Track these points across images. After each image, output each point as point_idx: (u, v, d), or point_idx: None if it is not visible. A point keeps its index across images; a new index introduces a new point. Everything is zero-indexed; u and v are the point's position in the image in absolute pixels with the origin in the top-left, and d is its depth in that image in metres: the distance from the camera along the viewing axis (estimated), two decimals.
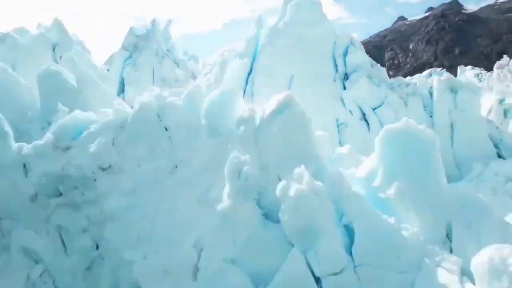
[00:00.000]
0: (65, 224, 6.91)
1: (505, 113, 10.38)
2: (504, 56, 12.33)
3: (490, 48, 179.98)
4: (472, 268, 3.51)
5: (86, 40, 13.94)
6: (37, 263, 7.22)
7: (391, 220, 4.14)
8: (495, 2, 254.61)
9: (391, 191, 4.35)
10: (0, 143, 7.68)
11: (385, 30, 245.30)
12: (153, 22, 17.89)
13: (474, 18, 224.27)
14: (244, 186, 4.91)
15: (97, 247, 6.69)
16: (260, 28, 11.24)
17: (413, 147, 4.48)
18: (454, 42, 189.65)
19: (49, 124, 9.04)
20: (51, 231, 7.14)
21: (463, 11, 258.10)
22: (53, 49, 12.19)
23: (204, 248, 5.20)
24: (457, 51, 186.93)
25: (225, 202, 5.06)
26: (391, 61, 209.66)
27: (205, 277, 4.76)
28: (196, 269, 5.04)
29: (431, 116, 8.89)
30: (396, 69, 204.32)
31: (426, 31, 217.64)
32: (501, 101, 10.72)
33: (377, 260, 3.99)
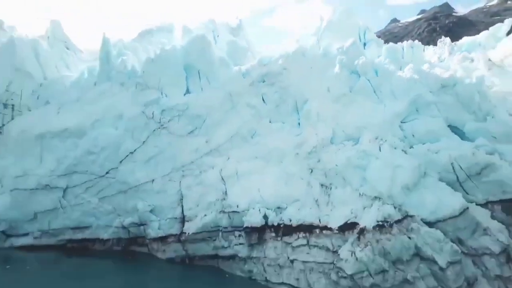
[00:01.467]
0: (264, 92, 19.94)
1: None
2: (443, 37, 25.73)
3: None
4: None
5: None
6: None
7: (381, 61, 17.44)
8: (484, 6, 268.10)
9: (380, 58, 17.66)
10: (226, 69, 20.83)
11: (379, 32, 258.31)
12: (240, 20, 30.83)
13: (463, 21, 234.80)
14: (347, 62, 18.14)
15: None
16: (322, 21, 24.58)
17: (394, 50, 17.73)
18: None
19: (235, 65, 22.22)
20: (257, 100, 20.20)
21: (453, 13, 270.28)
22: (213, 32, 25.20)
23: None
24: None
25: (336, 70, 18.26)
26: None
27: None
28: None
29: (402, 58, 22.22)
30: None
31: (418, 33, 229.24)
32: (439, 57, 24.33)
33: (382, 70, 17.29)
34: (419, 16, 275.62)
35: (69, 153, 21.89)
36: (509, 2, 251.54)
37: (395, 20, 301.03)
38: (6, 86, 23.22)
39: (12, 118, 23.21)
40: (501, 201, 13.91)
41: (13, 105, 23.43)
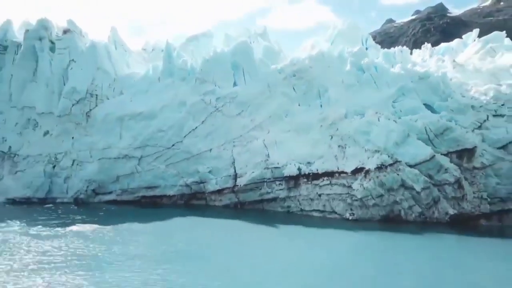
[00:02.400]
0: (295, 84, 28.45)
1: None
2: (425, 43, 34.49)
3: None
4: None
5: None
6: None
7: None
8: (478, 6, 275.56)
9: (379, 59, 26.25)
10: (265, 67, 29.37)
11: (374, 32, 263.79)
12: (265, 27, 39.18)
13: (457, 21, 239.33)
14: (355, 62, 26.71)
15: None
16: (334, 30, 33.21)
17: (388, 53, 26.44)
18: (439, 44, 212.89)
19: (271, 64, 30.74)
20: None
21: (448, 14, 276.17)
22: (249, 37, 33.57)
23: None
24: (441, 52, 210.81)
25: (348, 68, 26.82)
26: None
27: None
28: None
29: (394, 59, 30.83)
30: None
31: (412, 33, 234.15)
32: (422, 58, 33.14)
33: (380, 67, 25.90)
34: (414, 17, 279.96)
35: (143, 131, 30.12)
36: (502, 3, 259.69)
37: (390, 21, 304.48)
38: (91, 80, 31.43)
39: (96, 105, 31.36)
40: (456, 151, 22.53)
41: (96, 95, 31.64)
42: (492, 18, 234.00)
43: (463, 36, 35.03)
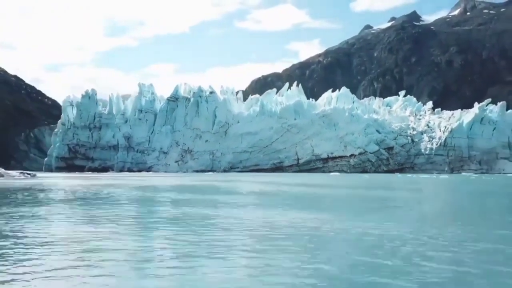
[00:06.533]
0: (324, 120, 76.34)
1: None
2: (381, 98, 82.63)
3: (440, 58, 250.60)
4: None
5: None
6: None
7: None
8: (447, 15, 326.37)
9: (359, 110, 74.63)
10: (309, 112, 77.58)
11: (353, 38, 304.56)
12: (300, 85, 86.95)
13: (427, 31, 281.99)
14: (350, 112, 74.76)
15: None
16: (336, 92, 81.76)
17: (363, 105, 75.01)
18: (411, 52, 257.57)
19: (313, 110, 79.20)
20: None
21: (421, 21, 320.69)
22: (281, 95, 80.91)
23: None
24: (413, 59, 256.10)
25: (346, 114, 74.88)
26: (359, 67, 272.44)
27: None
28: None
29: (366, 108, 78.83)
30: (363, 74, 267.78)
31: (388, 41, 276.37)
32: (378, 106, 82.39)
33: (360, 115, 74.10)
34: (390, 24, 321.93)
35: (251, 140, 78.13)
36: (468, 13, 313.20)
37: (368, 27, 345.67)
38: (225, 116, 78.62)
39: (228, 128, 78.50)
40: (387, 148, 71.54)
41: (228, 123, 78.97)
42: (459, 27, 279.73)
43: (399, 93, 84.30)
